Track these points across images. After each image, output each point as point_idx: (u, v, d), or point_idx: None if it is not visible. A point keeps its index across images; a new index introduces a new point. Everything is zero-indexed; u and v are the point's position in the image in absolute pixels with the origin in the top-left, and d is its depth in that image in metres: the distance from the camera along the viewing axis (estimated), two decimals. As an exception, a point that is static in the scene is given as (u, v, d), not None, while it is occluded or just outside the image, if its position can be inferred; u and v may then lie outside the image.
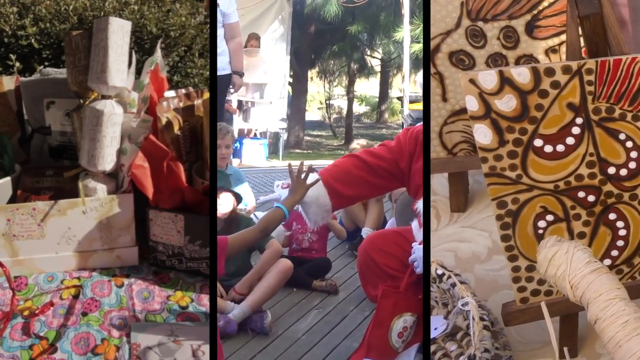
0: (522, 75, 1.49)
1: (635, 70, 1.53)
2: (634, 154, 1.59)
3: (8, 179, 1.87)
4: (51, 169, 2.00)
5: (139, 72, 1.96)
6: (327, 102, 12.86)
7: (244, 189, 3.50)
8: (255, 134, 7.76)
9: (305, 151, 10.00)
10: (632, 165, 1.60)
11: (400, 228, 2.53)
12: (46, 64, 2.98)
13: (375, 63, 12.15)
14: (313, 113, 13.34)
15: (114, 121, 1.78)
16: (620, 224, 1.65)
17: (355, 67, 11.76)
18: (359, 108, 13.85)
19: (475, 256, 2.09)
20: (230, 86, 5.28)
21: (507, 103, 1.51)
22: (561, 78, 1.50)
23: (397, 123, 12.51)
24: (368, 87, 13.59)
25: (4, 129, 2.07)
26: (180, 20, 3.36)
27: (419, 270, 2.09)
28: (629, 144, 1.58)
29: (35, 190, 1.89)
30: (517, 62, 2.03)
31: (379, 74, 12.63)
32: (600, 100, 1.54)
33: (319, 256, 3.26)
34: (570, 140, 1.55)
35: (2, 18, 2.98)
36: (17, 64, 2.83)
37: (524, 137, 1.54)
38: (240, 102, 7.56)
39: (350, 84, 12.06)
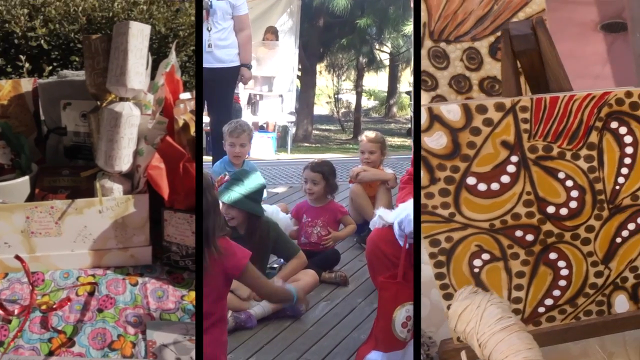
0: (452, 112, 1.44)
1: (573, 108, 1.47)
2: (574, 193, 1.53)
3: (26, 177, 1.90)
4: (67, 169, 2.03)
5: (153, 74, 1.99)
6: (336, 96, 12.77)
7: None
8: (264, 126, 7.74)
9: (313, 145, 9.98)
10: (573, 204, 1.54)
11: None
12: (55, 64, 3.00)
13: (384, 57, 12.07)
14: (321, 107, 13.27)
15: (131, 123, 1.81)
16: (561, 263, 1.59)
17: (364, 61, 11.68)
18: (367, 102, 13.76)
19: (433, 280, 1.99)
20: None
21: (437, 140, 1.45)
22: (494, 115, 1.45)
23: (405, 117, 12.47)
24: (377, 81, 13.47)
25: (21, 129, 2.11)
26: (189, 20, 3.32)
27: (408, 230, 2.05)
28: (569, 183, 1.53)
29: (52, 189, 1.92)
30: (481, 84, 1.97)
31: (387, 68, 12.56)
32: (536, 139, 1.48)
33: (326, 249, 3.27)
34: (505, 179, 1.50)
35: (13, 20, 2.99)
36: (27, 65, 2.84)
37: (456, 175, 1.48)
38: (249, 95, 7.56)
39: (359, 78, 11.96)
